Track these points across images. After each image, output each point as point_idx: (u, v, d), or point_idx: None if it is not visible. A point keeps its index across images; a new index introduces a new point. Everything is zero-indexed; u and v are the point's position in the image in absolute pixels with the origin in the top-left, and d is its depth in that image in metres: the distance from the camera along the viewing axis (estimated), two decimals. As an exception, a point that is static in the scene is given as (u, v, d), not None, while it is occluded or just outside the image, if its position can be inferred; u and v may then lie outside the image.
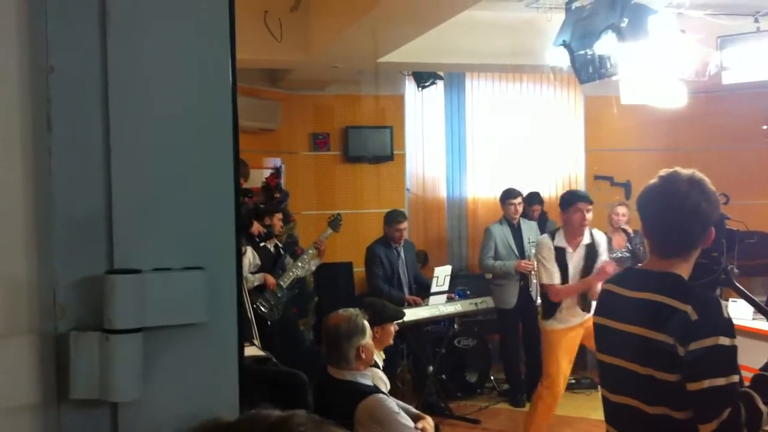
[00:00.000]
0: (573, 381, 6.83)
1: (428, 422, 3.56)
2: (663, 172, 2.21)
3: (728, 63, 6.44)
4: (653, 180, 2.22)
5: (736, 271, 2.23)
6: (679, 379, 2.02)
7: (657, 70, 6.15)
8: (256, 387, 4.08)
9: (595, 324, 2.36)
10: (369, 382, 3.47)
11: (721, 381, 1.97)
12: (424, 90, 7.91)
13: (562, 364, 5.37)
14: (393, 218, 6.74)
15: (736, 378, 1.99)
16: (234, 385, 0.97)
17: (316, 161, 8.08)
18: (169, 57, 0.96)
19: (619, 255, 7.07)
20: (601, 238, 5.54)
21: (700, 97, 7.07)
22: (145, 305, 0.89)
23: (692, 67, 6.33)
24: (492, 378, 7.33)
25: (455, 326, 6.93)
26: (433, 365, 6.52)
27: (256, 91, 7.50)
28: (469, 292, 6.99)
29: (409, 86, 8.17)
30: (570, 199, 5.38)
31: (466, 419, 6.48)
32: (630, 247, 7.24)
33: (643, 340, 2.10)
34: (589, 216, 5.33)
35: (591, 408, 6.66)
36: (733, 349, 1.99)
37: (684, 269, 2.17)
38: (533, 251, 6.74)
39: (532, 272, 6.63)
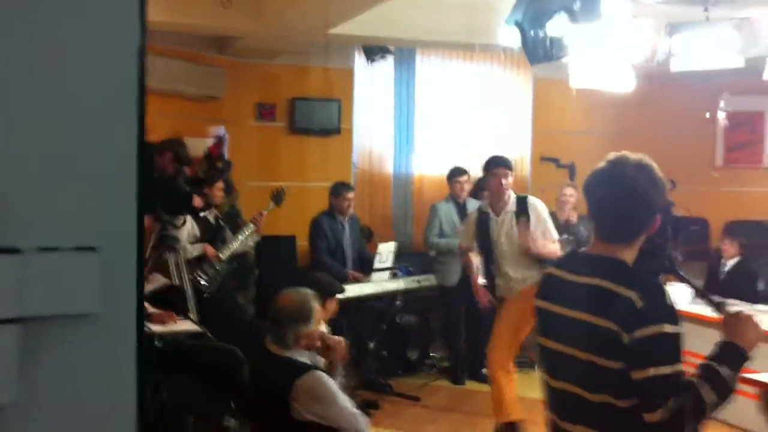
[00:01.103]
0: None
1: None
2: (611, 155, 2.16)
3: (677, 50, 6.47)
4: (601, 164, 2.17)
5: (679, 258, 2.21)
6: (622, 366, 1.99)
7: (607, 54, 6.14)
8: (191, 363, 3.96)
9: (536, 308, 2.31)
10: (307, 360, 3.39)
11: (665, 369, 1.94)
12: (374, 64, 7.78)
13: (494, 334, 5.40)
14: (339, 189, 6.65)
15: (680, 366, 1.96)
16: (131, 386, 0.83)
17: (261, 132, 7.91)
18: (60, 14, 0.84)
19: (563, 238, 7.11)
20: (534, 206, 5.52)
21: (648, 83, 7.10)
22: (24, 291, 0.76)
23: (642, 53, 6.35)
24: (432, 355, 7.34)
25: (397, 303, 6.89)
26: (374, 341, 6.47)
27: (199, 57, 7.28)
28: (412, 270, 6.95)
29: (359, 60, 8.04)
30: (487, 165, 5.50)
31: (407, 396, 6.46)
32: (573, 232, 7.28)
33: (586, 325, 2.06)
34: (506, 181, 5.41)
35: (528, 387, 6.64)
36: (677, 337, 1.97)
37: (629, 255, 2.13)
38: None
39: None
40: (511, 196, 5.49)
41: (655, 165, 2.13)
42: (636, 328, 1.95)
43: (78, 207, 0.81)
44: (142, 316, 0.81)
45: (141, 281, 0.83)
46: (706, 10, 6.39)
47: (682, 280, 2.22)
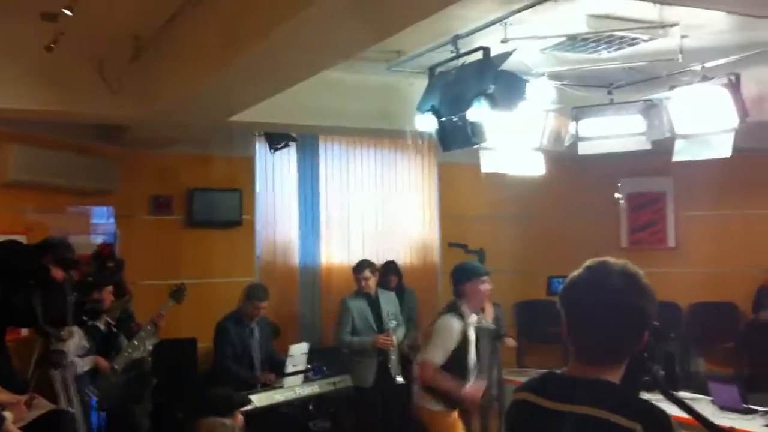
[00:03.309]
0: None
1: None
2: (590, 262, 1.87)
3: (583, 133, 6.46)
4: (577, 272, 1.87)
5: (661, 372, 1.92)
6: None
7: (518, 138, 6.07)
8: None
9: None
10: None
11: None
12: (276, 152, 7.46)
13: None
14: (253, 294, 6.20)
15: None
16: None
17: (157, 226, 7.39)
18: None
19: (486, 326, 6.91)
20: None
21: (554, 165, 7.07)
22: None
23: (550, 137, 6.29)
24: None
25: (310, 407, 6.41)
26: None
27: (89, 148, 6.77)
28: (325, 369, 6.49)
29: (260, 148, 7.71)
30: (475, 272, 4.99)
31: None
32: (497, 319, 7.11)
33: None
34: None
35: None
36: None
37: (616, 375, 1.83)
38: (392, 324, 6.43)
39: (391, 347, 6.30)
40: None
41: (640, 272, 1.85)
42: None
43: None
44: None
45: None
46: (610, 93, 6.45)
47: (669, 397, 1.93)
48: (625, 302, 1.80)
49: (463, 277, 4.91)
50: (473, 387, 4.79)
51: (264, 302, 6.20)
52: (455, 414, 4.95)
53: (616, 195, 8.73)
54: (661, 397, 1.95)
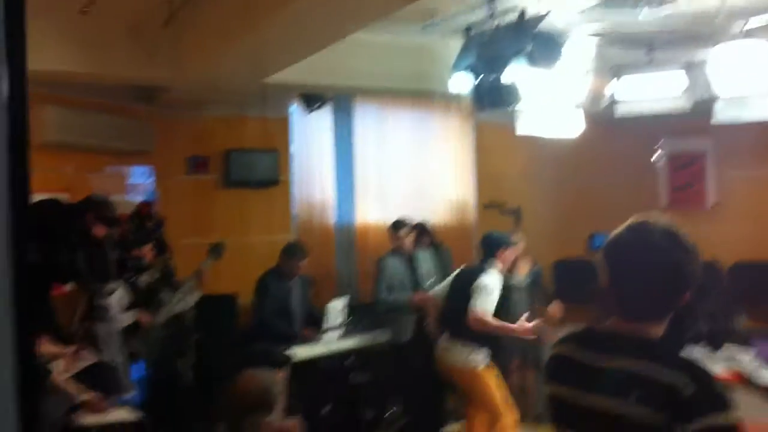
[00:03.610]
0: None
1: None
2: (633, 220, 1.88)
3: (622, 94, 6.37)
4: (620, 229, 1.88)
5: (704, 329, 1.93)
6: None
7: (556, 99, 6.01)
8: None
9: (548, 395, 1.99)
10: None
11: None
12: (311, 113, 7.49)
13: (505, 395, 5.49)
14: (294, 252, 6.29)
15: None
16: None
17: (195, 185, 7.49)
18: None
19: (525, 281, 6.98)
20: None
21: (592, 126, 7.00)
22: None
23: (588, 98, 6.23)
24: (388, 413, 6.98)
25: (349, 362, 6.52)
26: (327, 404, 6.09)
27: (127, 110, 6.86)
28: (362, 325, 6.59)
29: (296, 109, 7.73)
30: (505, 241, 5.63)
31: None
32: (534, 276, 7.15)
33: (620, 418, 1.74)
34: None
35: None
36: (735, 427, 1.67)
37: (658, 332, 1.85)
38: (428, 282, 6.49)
39: (429, 305, 6.37)
40: None
41: (683, 230, 1.86)
42: (689, 419, 1.66)
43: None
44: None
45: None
46: (649, 53, 6.34)
47: (714, 355, 1.94)
48: (669, 260, 1.80)
49: (493, 247, 5.55)
50: (521, 323, 5.34)
51: (303, 260, 6.29)
52: (489, 369, 5.43)
53: (656, 155, 8.62)
54: (703, 353, 1.97)
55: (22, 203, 0.86)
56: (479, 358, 5.40)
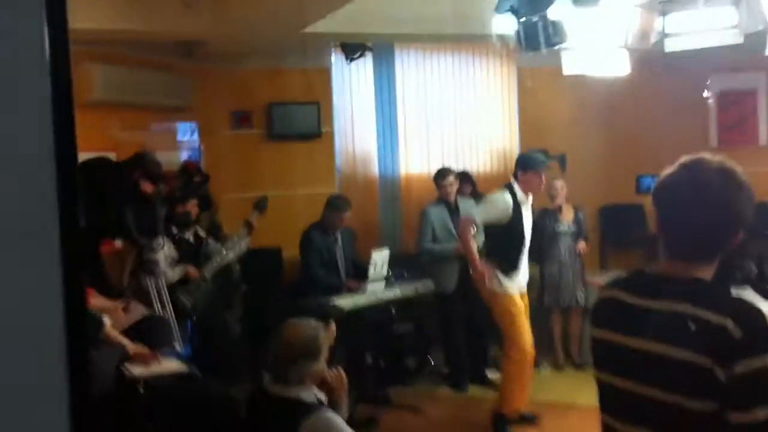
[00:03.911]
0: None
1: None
2: (685, 159, 1.82)
3: (671, 29, 6.15)
4: (672, 168, 1.83)
5: (754, 269, 1.87)
6: (715, 408, 1.65)
7: (602, 37, 5.83)
8: (180, 409, 3.59)
9: (594, 339, 1.96)
10: (312, 398, 3.03)
11: None
12: (352, 63, 7.41)
13: (525, 326, 5.49)
14: (337, 205, 6.30)
15: None
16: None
17: (238, 140, 7.51)
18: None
19: (570, 227, 6.92)
20: None
21: (638, 65, 6.79)
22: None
23: (635, 34, 6.03)
24: (432, 363, 7.03)
25: (393, 311, 6.55)
26: (370, 353, 6.15)
27: (167, 65, 6.86)
28: (406, 275, 6.60)
29: (336, 59, 7.67)
30: (533, 163, 5.50)
31: (407, 408, 6.15)
32: (578, 222, 7.08)
33: (667, 360, 1.71)
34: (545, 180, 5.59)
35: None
36: None
37: (709, 273, 1.80)
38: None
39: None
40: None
41: (738, 168, 1.79)
42: (736, 362, 1.62)
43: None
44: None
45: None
46: (698, -14, 6.10)
47: (765, 296, 1.88)
48: (722, 199, 1.75)
49: (521, 165, 5.54)
50: (484, 267, 5.43)
51: (347, 213, 6.30)
52: (516, 298, 5.51)
53: (705, 93, 8.36)
54: (753, 293, 1.92)
55: (68, 162, 0.87)
56: (502, 283, 5.48)
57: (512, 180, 5.55)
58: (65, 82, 0.87)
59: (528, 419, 5.73)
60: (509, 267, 5.49)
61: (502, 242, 5.51)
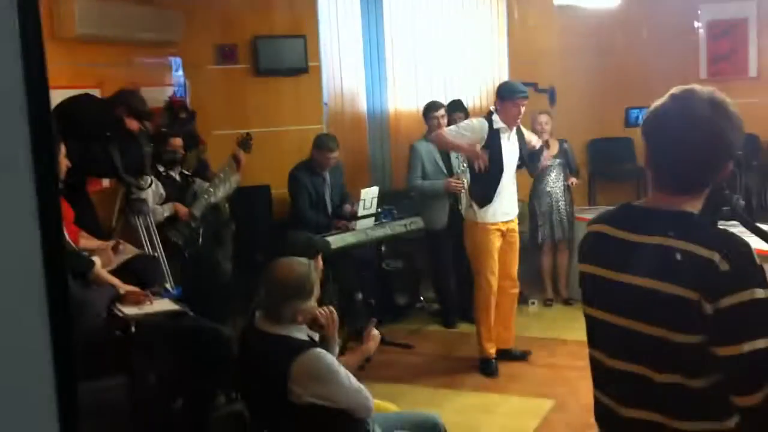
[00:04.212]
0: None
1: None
2: (675, 89, 1.80)
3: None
4: (662, 100, 1.80)
5: (741, 202, 1.87)
6: (701, 340, 1.67)
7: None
8: (173, 347, 3.62)
9: (583, 273, 1.96)
10: (303, 336, 3.06)
11: (762, 343, 1.62)
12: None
13: (490, 258, 5.51)
14: (324, 144, 6.24)
15: None
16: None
17: (224, 75, 7.39)
18: None
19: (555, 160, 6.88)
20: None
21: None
22: None
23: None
24: (422, 299, 7.10)
25: (382, 248, 6.58)
26: (361, 291, 6.18)
27: (151, -1, 6.70)
28: (395, 212, 6.60)
29: (322, -10, 7.50)
30: (509, 93, 5.42)
31: (399, 344, 6.23)
32: (564, 153, 7.05)
33: (654, 294, 1.72)
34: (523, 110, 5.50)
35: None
36: (765, 304, 1.64)
37: (696, 207, 1.80)
38: (462, 167, 6.43)
39: (462, 191, 6.32)
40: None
41: (728, 99, 1.77)
42: (722, 295, 1.63)
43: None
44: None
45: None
46: None
47: (752, 229, 1.88)
48: (712, 130, 1.73)
49: (499, 94, 5.50)
50: (471, 146, 5.44)
51: (335, 152, 6.24)
52: (490, 229, 5.50)
53: (695, 23, 8.27)
54: (740, 228, 1.92)
55: (39, 98, 0.85)
56: (476, 213, 5.50)
57: (492, 109, 5.53)
58: (33, 14, 0.84)
59: (518, 356, 5.81)
60: (484, 196, 5.46)
61: (479, 172, 5.46)
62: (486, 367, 5.62)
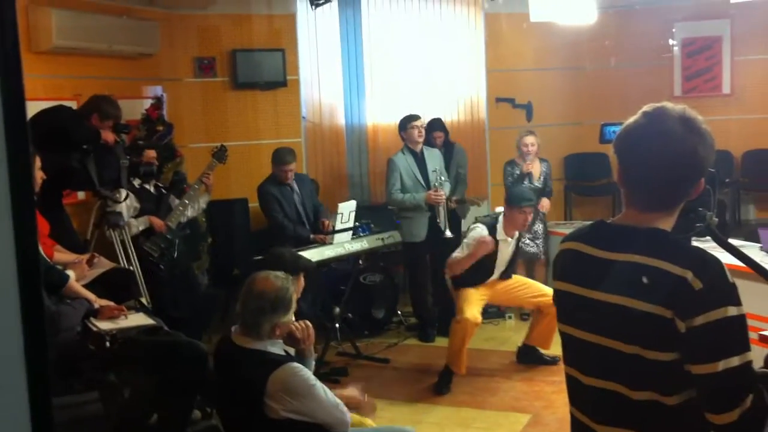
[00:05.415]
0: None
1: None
2: (647, 107, 1.81)
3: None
4: (634, 117, 1.82)
5: (715, 219, 1.88)
6: (675, 358, 1.68)
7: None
8: (149, 362, 3.58)
9: (557, 291, 1.97)
10: (279, 350, 3.05)
11: (736, 360, 1.63)
12: (317, 8, 7.27)
13: (473, 300, 5.54)
14: (280, 158, 6.24)
15: (750, 356, 1.65)
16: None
17: (203, 88, 7.38)
18: None
19: (536, 186, 6.87)
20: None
21: (605, 12, 6.79)
22: None
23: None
24: (399, 313, 7.09)
25: (360, 262, 6.57)
26: (338, 305, 6.16)
27: (129, 10, 6.68)
28: (373, 226, 6.59)
29: (301, 4, 7.52)
30: (516, 200, 5.48)
31: (376, 359, 6.22)
32: (545, 177, 7.06)
33: (628, 312, 1.72)
34: (530, 219, 5.62)
35: (501, 339, 6.55)
36: (743, 320, 1.65)
37: (669, 224, 1.80)
38: (440, 180, 6.45)
39: (441, 203, 6.35)
40: None
41: (700, 117, 1.79)
42: (696, 313, 1.64)
43: None
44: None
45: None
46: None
47: (723, 246, 1.89)
48: (684, 147, 1.74)
49: (508, 199, 5.57)
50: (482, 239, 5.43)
51: (290, 165, 6.22)
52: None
53: (670, 41, 8.38)
54: (713, 244, 1.93)
55: (15, 110, 0.85)
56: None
57: (498, 212, 5.70)
58: (11, 26, 0.85)
59: (549, 361, 5.90)
60: (469, 285, 5.61)
61: (470, 269, 5.52)
62: (444, 381, 5.60)
